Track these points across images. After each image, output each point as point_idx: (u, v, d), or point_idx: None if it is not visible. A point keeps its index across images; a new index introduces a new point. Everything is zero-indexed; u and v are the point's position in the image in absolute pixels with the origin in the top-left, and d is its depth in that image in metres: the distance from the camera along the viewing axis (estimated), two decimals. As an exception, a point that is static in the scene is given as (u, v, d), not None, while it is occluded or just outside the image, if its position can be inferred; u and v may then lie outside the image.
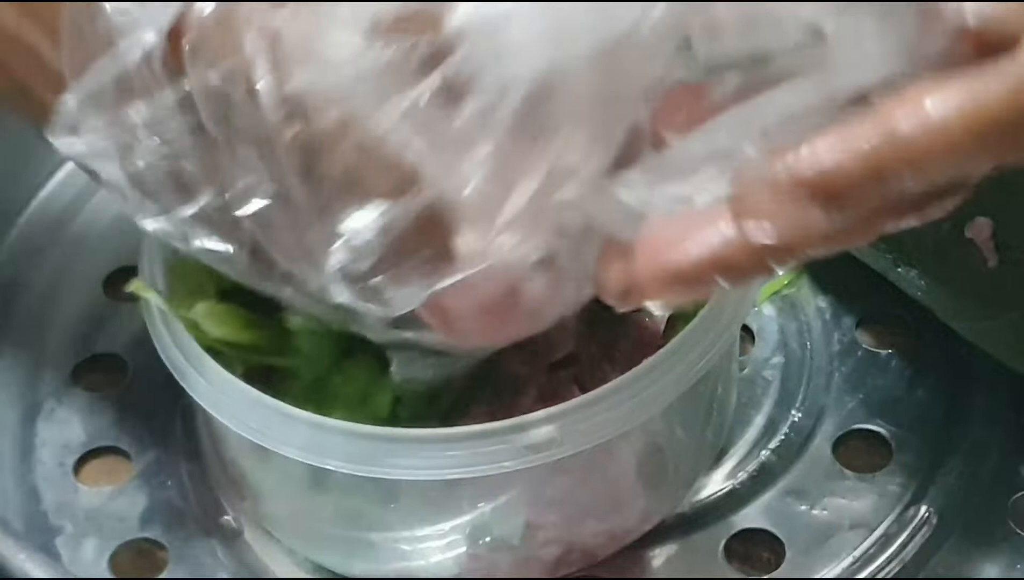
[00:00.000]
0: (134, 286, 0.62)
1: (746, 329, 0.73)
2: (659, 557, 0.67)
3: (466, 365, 0.61)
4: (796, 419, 0.71)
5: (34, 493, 0.70)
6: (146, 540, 0.68)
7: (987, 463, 0.69)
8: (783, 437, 0.70)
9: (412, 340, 0.56)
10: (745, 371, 0.72)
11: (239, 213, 0.51)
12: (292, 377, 0.62)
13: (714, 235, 0.47)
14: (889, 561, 0.66)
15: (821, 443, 0.70)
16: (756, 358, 0.73)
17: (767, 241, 0.46)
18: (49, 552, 0.67)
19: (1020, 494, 0.68)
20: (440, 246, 0.50)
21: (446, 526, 0.63)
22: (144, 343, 0.72)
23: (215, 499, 0.69)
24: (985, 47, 0.45)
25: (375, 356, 0.61)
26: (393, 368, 0.60)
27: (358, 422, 0.59)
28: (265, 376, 0.62)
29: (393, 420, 0.61)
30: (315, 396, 0.61)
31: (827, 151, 0.45)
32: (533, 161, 0.48)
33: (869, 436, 0.70)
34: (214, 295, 0.62)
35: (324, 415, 0.59)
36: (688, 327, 0.60)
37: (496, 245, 0.50)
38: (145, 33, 0.49)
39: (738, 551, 0.67)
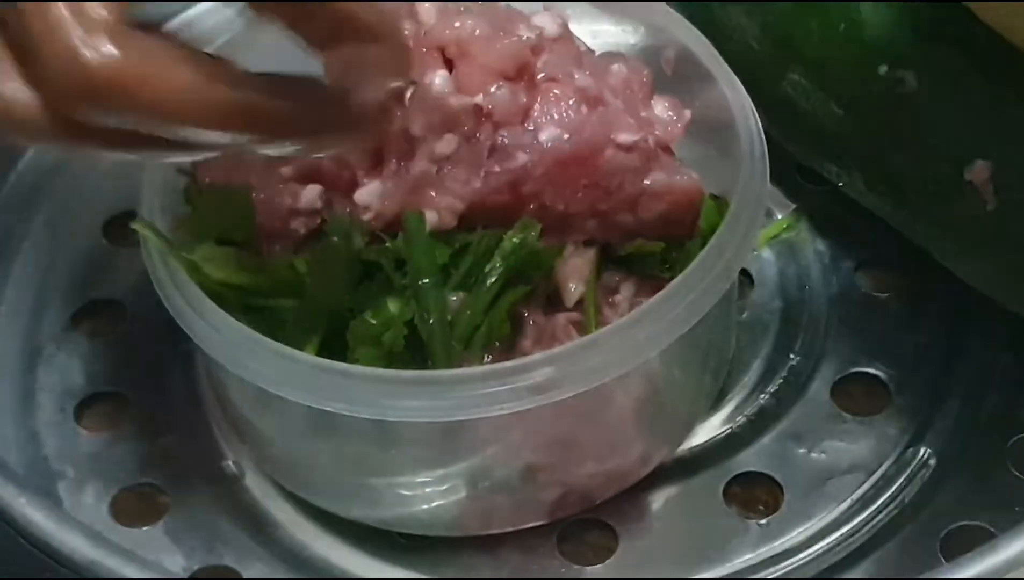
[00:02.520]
0: (135, 225, 0.62)
1: (745, 273, 0.73)
2: (658, 500, 0.67)
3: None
4: (795, 363, 0.71)
5: (35, 438, 0.70)
6: (147, 485, 0.68)
7: (986, 405, 0.69)
8: (782, 381, 0.71)
9: None
10: (744, 315, 0.73)
11: None
12: (295, 318, 0.62)
13: None
14: (887, 504, 0.66)
15: (819, 386, 0.70)
16: (755, 302, 0.73)
17: None
18: (50, 497, 0.67)
19: (1019, 436, 0.68)
20: None
21: (446, 470, 0.63)
22: (144, 288, 0.72)
23: (216, 444, 0.69)
24: None
25: (387, 291, 0.61)
26: None
27: (375, 361, 0.59)
28: (267, 322, 0.62)
29: (411, 358, 0.61)
30: (329, 338, 0.61)
31: None
32: None
33: (867, 379, 0.71)
34: (215, 238, 0.62)
35: (340, 356, 0.60)
36: (686, 271, 0.60)
37: None
38: None
39: (737, 494, 0.67)
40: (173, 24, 0.82)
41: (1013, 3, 0.64)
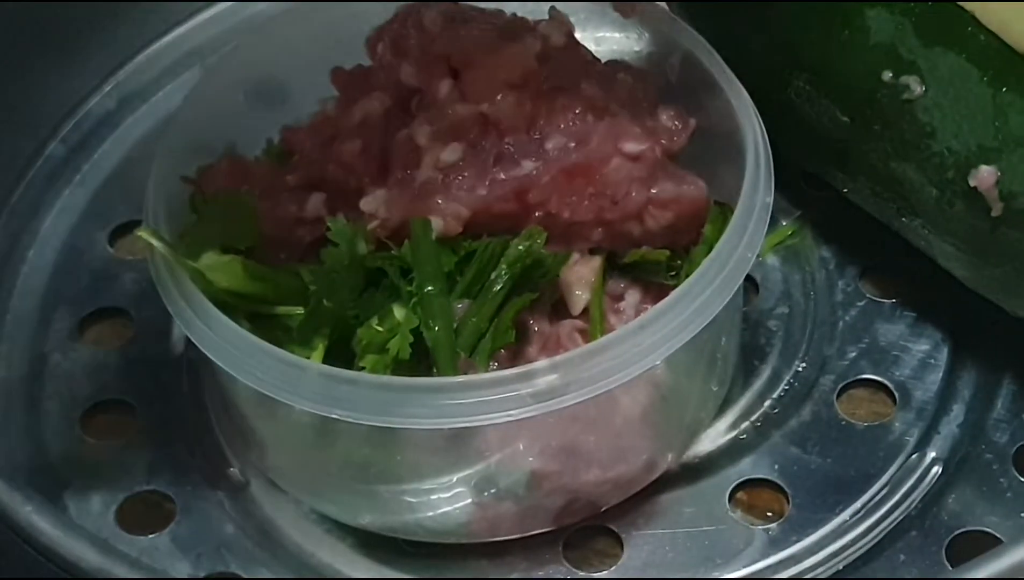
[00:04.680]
0: (140, 232, 0.62)
1: (750, 280, 0.74)
2: (663, 507, 0.67)
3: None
4: (800, 369, 0.71)
5: (41, 446, 0.70)
6: (153, 492, 0.68)
7: (991, 411, 0.69)
8: (787, 387, 0.71)
9: None
10: (749, 322, 0.73)
11: None
12: (300, 326, 0.62)
13: None
14: (893, 510, 0.66)
15: (825, 393, 0.70)
16: (760, 309, 0.73)
17: None
18: (56, 505, 0.67)
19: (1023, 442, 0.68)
20: None
21: (452, 477, 0.63)
22: (149, 297, 0.72)
23: (221, 451, 0.69)
24: None
25: (392, 298, 0.61)
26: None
27: (381, 368, 0.59)
28: (273, 330, 0.62)
29: (416, 365, 0.61)
30: (335, 345, 0.62)
31: None
32: None
33: (873, 385, 0.71)
34: (219, 246, 0.62)
35: (346, 364, 0.60)
36: (692, 277, 0.60)
37: None
38: None
39: (743, 501, 0.67)
40: (195, 22, 0.84)
41: (1017, 8, 0.64)
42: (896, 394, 0.70)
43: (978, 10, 0.65)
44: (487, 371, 0.61)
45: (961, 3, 0.66)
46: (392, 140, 0.65)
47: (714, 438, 0.69)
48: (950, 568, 0.64)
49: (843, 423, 0.69)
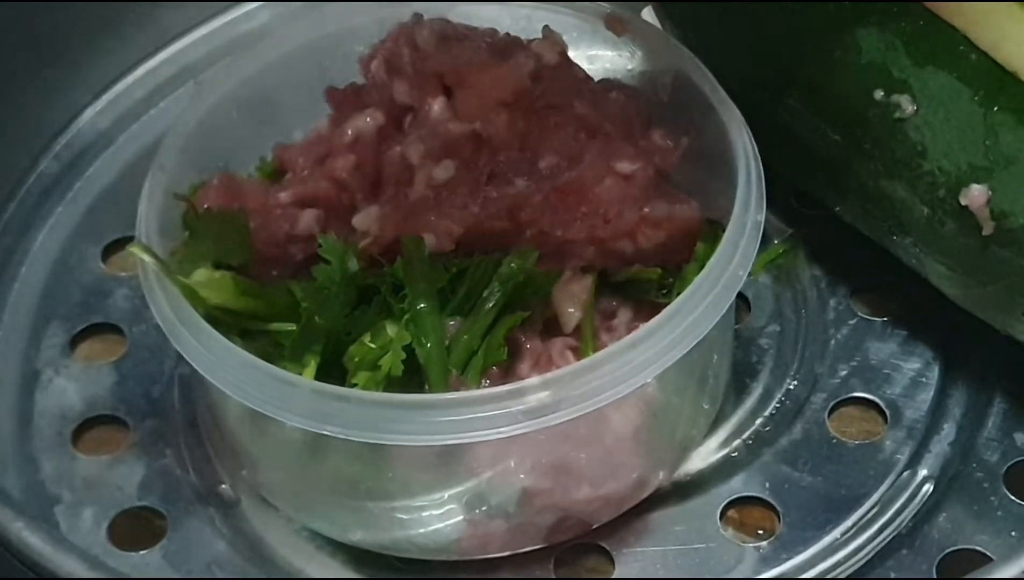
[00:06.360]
0: (132, 248, 0.62)
1: (742, 298, 0.74)
2: (654, 524, 0.67)
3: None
4: (791, 387, 0.71)
5: (32, 462, 0.70)
6: (144, 508, 0.68)
7: (982, 430, 0.69)
8: (778, 405, 0.71)
9: None
10: (740, 340, 0.73)
11: None
12: (292, 342, 0.62)
13: None
14: (884, 528, 0.66)
15: (816, 411, 0.70)
16: (752, 327, 0.73)
17: None
18: (47, 521, 0.67)
19: (1015, 461, 0.68)
20: None
21: (443, 494, 0.63)
22: (141, 313, 0.72)
23: (212, 467, 0.69)
24: None
25: (385, 315, 0.61)
26: None
27: (373, 385, 0.59)
28: (265, 346, 0.62)
29: (408, 382, 0.61)
30: (327, 362, 0.62)
31: None
32: None
33: (864, 404, 0.71)
34: (212, 263, 0.62)
35: (338, 381, 0.60)
36: (683, 295, 0.61)
37: None
38: None
39: (734, 519, 0.67)
40: (189, 40, 0.84)
41: (1008, 27, 0.64)
42: (887, 412, 0.70)
43: (969, 29, 0.65)
44: (479, 388, 0.61)
45: (952, 22, 0.66)
46: (385, 158, 0.65)
47: (705, 456, 0.69)
48: (941, 587, 0.65)
49: (834, 441, 0.69)
